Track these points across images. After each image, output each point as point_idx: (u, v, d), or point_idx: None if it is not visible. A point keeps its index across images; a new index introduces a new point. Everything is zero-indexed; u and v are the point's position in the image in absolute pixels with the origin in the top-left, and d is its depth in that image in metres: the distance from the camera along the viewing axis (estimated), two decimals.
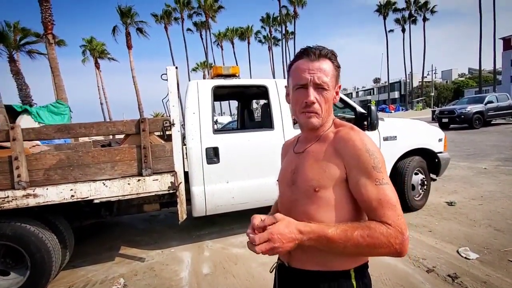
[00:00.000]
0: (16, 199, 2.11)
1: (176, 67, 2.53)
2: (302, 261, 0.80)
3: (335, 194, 0.76)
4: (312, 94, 0.77)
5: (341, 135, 0.77)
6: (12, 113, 6.93)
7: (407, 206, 3.44)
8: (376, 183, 0.70)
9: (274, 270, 0.91)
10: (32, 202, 2.13)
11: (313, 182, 0.77)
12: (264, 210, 3.02)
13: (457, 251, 2.49)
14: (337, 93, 0.83)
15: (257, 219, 0.71)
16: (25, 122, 6.70)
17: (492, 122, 13.53)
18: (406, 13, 39.69)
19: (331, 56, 0.80)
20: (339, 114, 4.97)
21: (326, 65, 0.78)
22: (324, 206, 0.76)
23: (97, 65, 33.88)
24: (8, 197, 2.09)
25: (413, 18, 39.67)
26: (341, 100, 3.25)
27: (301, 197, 0.80)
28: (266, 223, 0.69)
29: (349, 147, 0.74)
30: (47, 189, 2.15)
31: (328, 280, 0.76)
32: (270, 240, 0.66)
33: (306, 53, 0.79)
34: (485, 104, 12.64)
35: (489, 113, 12.65)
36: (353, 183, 0.73)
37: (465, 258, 2.38)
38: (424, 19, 39.13)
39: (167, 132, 2.53)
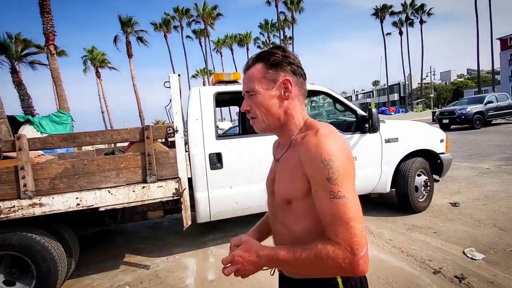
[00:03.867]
0: (22, 208, 2.12)
1: (179, 75, 2.57)
2: (289, 271, 0.81)
3: (308, 204, 0.72)
4: (244, 103, 0.80)
5: (303, 142, 0.72)
6: (15, 124, 7.00)
7: (411, 208, 3.44)
8: (331, 196, 0.65)
9: (274, 272, 0.92)
10: (38, 211, 2.14)
11: (285, 195, 0.76)
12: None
13: (463, 252, 2.48)
14: (286, 88, 0.76)
15: (233, 241, 0.79)
16: (27, 132, 6.76)
17: (492, 122, 13.55)
18: (403, 16, 40.03)
19: (264, 55, 0.77)
20: (340, 118, 4.98)
21: (252, 70, 0.78)
22: (300, 217, 0.75)
23: (98, 75, 34.15)
24: (14, 206, 2.11)
25: (410, 20, 39.97)
26: (342, 103, 3.28)
27: (278, 209, 0.80)
28: (233, 243, 0.76)
29: (307, 156, 0.68)
30: (53, 198, 2.16)
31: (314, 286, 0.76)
32: (233, 262, 0.71)
33: (243, 67, 0.82)
34: (485, 104, 12.67)
35: (489, 113, 12.68)
36: (313, 194, 0.69)
37: (471, 258, 2.37)
38: (421, 22, 39.41)
39: (171, 139, 2.55)
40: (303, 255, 0.66)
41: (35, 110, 13.47)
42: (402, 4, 39.27)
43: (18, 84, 13.69)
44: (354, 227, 0.63)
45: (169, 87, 2.47)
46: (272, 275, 0.92)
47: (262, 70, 0.76)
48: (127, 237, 3.70)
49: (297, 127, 0.79)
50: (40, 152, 3.03)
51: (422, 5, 38.48)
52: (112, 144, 4.29)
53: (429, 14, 39.10)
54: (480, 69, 31.91)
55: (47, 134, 6.51)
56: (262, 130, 0.81)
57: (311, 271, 0.68)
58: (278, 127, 0.79)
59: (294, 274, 0.78)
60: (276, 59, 0.76)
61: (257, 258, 0.70)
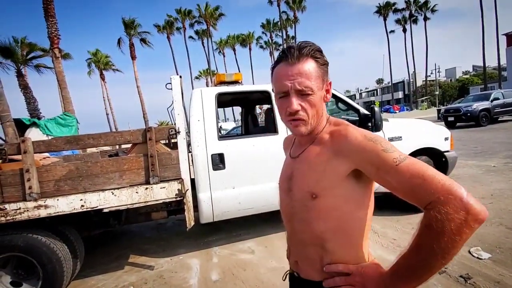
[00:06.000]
0: (27, 210, 2.15)
1: (180, 76, 2.58)
2: (307, 271, 0.78)
3: (335, 199, 0.70)
4: (295, 102, 0.71)
5: (340, 135, 0.71)
6: (21, 126, 7.10)
7: (416, 207, 3.40)
8: (396, 163, 0.62)
9: (286, 278, 0.90)
10: (43, 213, 2.17)
11: (310, 188, 0.72)
12: (270, 215, 3.03)
13: (469, 251, 2.45)
14: (327, 91, 0.76)
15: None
16: (33, 134, 6.85)
17: (499, 119, 13.34)
18: (407, 13, 39.66)
19: (314, 53, 0.73)
20: (342, 117, 4.97)
21: (308, 66, 0.71)
22: (324, 214, 0.72)
23: (102, 77, 34.46)
24: (20, 208, 2.14)
25: (414, 18, 39.59)
26: (344, 102, 3.26)
27: (298, 205, 0.76)
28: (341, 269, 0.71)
29: (352, 144, 0.67)
30: (57, 200, 2.19)
31: None
32: None
33: (285, 55, 0.72)
34: (491, 101, 12.48)
35: (495, 110, 12.48)
36: (374, 177, 0.67)
37: (477, 258, 2.34)
38: (425, 19, 39.01)
39: (173, 140, 2.57)
40: (420, 241, 0.58)
41: (41, 113, 13.63)
42: (405, 1, 38.91)
43: (24, 88, 13.86)
44: (438, 174, 0.59)
45: (171, 89, 2.48)
46: (284, 280, 0.90)
47: (317, 68, 0.72)
48: (132, 238, 3.73)
49: (321, 126, 0.78)
50: (46, 154, 3.06)
51: (426, 2, 38.07)
52: (117, 146, 4.32)
53: (433, 10, 38.69)
54: (486, 65, 31.49)
55: (53, 137, 6.59)
56: (306, 133, 0.76)
57: (441, 254, 0.55)
58: (313, 128, 0.77)
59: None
60: (324, 60, 0.75)
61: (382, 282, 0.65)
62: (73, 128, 7.87)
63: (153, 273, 2.69)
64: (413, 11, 39.21)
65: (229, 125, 17.30)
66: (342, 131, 0.71)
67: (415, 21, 39.87)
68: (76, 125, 8.07)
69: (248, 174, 2.80)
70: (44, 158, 2.89)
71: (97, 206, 2.25)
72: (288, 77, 0.71)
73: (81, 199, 2.22)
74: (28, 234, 2.20)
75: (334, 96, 3.25)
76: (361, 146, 0.66)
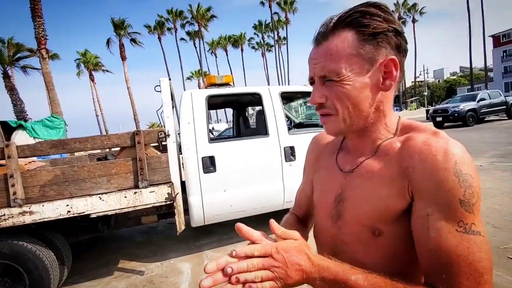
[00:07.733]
0: (12, 216, 2.09)
1: (170, 79, 2.56)
2: None
3: (401, 235, 0.51)
4: (317, 93, 0.55)
5: (414, 145, 0.50)
6: (7, 129, 6.91)
7: None
8: (459, 228, 0.44)
9: None
10: (28, 219, 2.11)
11: (370, 221, 0.53)
12: (262, 217, 3.02)
13: None
14: (387, 74, 0.52)
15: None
16: (20, 137, 6.68)
17: (485, 119, 13.70)
18: (396, 16, 40.33)
19: (357, 17, 0.51)
20: None
21: (337, 41, 0.51)
22: (393, 254, 0.52)
23: (91, 78, 33.93)
24: (4, 215, 2.08)
25: (403, 20, 40.36)
26: None
27: (352, 241, 0.57)
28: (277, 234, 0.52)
29: (425, 163, 0.47)
30: (43, 205, 2.14)
31: None
32: (269, 260, 0.46)
33: (316, 33, 0.56)
34: (478, 102, 12.80)
35: (482, 110, 12.81)
36: (418, 218, 0.47)
37: None
38: (414, 21, 39.92)
39: (163, 143, 2.54)
40: None
41: (27, 115, 13.33)
42: (394, 4, 39.70)
43: (11, 89, 13.55)
44: (488, 283, 0.43)
45: (160, 91, 2.46)
46: None
47: (355, 43, 0.51)
48: (121, 243, 3.67)
49: (388, 129, 0.57)
50: (33, 158, 2.99)
51: (414, 4, 38.96)
52: (107, 149, 4.25)
53: (421, 13, 39.60)
54: (473, 66, 32.31)
55: (40, 139, 6.45)
56: (340, 132, 0.57)
57: None
58: (360, 128, 0.56)
59: None
60: (378, 26, 0.50)
61: (311, 267, 0.46)
62: (61, 130, 7.71)
63: (143, 279, 2.65)
64: (401, 14, 40.00)
65: (221, 126, 17.24)
66: (423, 143, 0.49)
67: (404, 23, 40.58)
68: (64, 127, 7.91)
69: (238, 177, 2.79)
70: (30, 162, 2.82)
71: (84, 212, 2.21)
72: (311, 60, 0.56)
73: (68, 205, 2.17)
74: (13, 241, 2.14)
75: None
76: (437, 174, 0.45)
